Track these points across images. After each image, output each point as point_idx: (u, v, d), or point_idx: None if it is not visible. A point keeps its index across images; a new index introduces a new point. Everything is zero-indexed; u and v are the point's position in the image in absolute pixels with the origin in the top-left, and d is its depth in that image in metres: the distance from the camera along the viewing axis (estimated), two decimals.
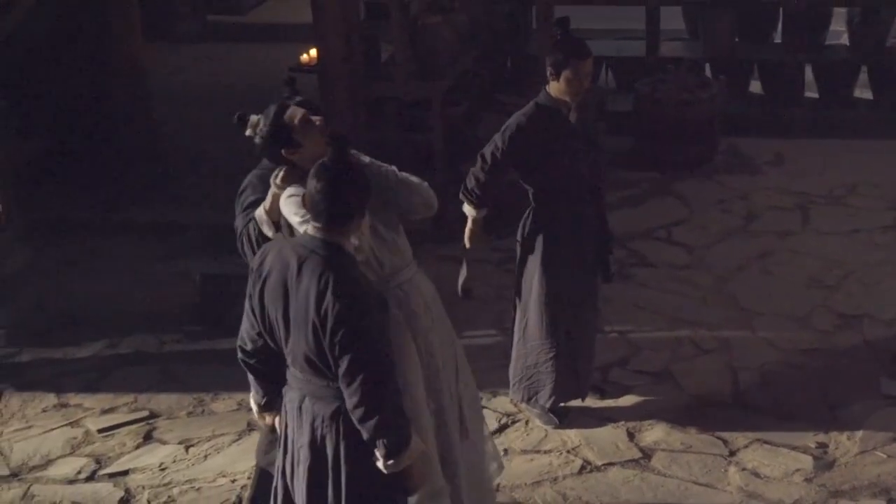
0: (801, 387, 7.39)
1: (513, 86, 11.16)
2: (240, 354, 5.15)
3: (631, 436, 7.03)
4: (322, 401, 4.86)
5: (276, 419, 5.22)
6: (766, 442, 6.91)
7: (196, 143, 10.87)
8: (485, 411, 7.20)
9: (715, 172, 10.36)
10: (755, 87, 11.80)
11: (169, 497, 6.72)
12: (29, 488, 6.86)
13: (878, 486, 6.50)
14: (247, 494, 6.19)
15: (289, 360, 4.93)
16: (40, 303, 8.61)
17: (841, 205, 9.71)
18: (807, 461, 6.74)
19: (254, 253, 5.42)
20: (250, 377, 5.25)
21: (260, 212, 5.44)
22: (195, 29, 14.65)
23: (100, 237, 9.69)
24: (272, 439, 5.55)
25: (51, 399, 7.70)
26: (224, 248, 5.83)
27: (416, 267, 5.66)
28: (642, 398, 7.37)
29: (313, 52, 10.04)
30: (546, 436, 7.07)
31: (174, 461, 7.03)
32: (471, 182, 6.80)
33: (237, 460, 6.91)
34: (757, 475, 6.65)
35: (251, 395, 5.34)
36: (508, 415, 7.27)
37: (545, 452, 6.93)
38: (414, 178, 5.54)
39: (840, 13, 11.81)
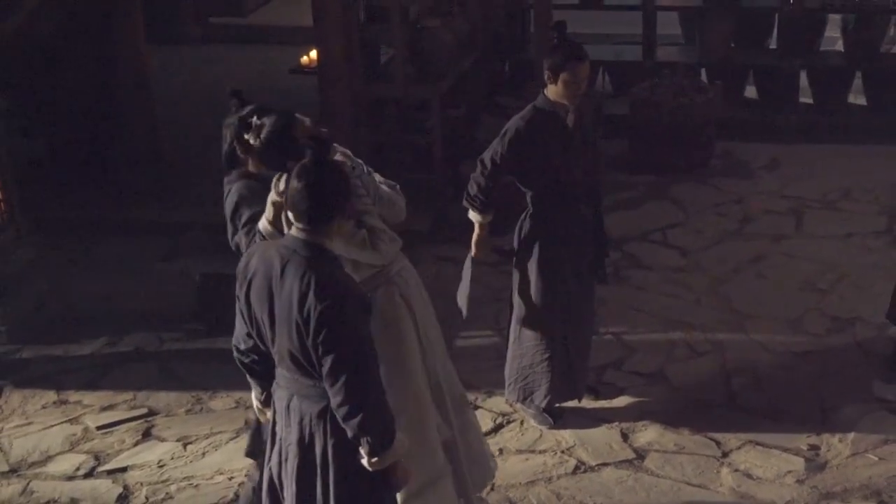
0: (793, 389, 7.38)
1: (511, 89, 11.15)
2: (235, 353, 5.17)
3: (625, 436, 7.02)
4: (309, 400, 4.87)
5: None
6: (758, 443, 6.90)
7: (197, 144, 10.84)
8: (480, 411, 7.24)
9: (710, 176, 10.35)
10: (750, 91, 11.79)
11: (167, 494, 6.71)
12: (28, 484, 6.85)
13: (870, 489, 6.49)
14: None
15: (276, 360, 4.94)
16: (42, 301, 8.60)
17: (834, 209, 9.70)
18: (799, 463, 6.73)
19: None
20: (248, 375, 5.25)
21: (264, 224, 5.39)
22: (197, 31, 14.63)
23: (101, 236, 9.67)
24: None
25: (51, 396, 7.69)
26: (224, 248, 5.80)
27: (402, 255, 5.78)
28: (636, 399, 7.36)
29: (314, 54, 10.02)
30: (541, 436, 7.06)
31: (172, 458, 7.02)
32: (473, 188, 6.79)
33: (235, 458, 6.88)
34: (749, 476, 6.64)
35: (252, 392, 5.34)
36: (504, 415, 7.26)
37: (540, 452, 6.92)
38: (388, 191, 5.60)
39: (834, 19, 11.81)
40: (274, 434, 5.10)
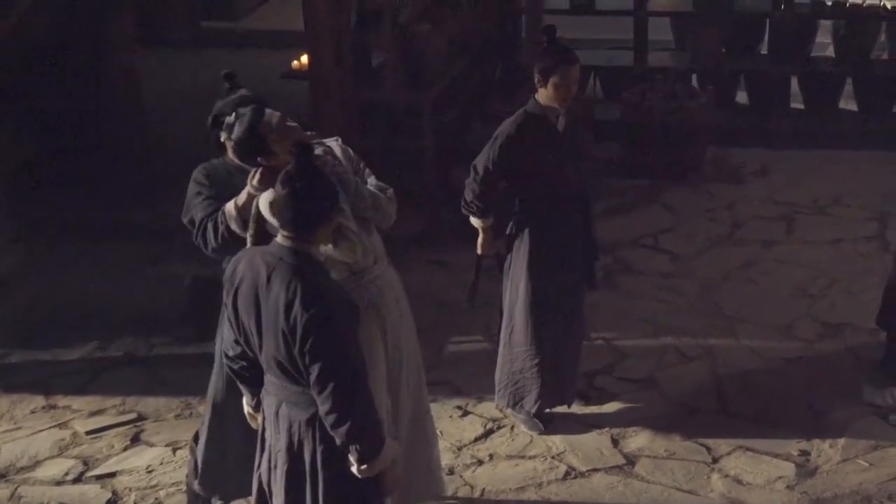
0: (784, 395, 7.37)
1: (503, 94, 11.15)
2: (224, 360, 5.17)
3: (615, 442, 7.01)
4: (298, 407, 4.85)
5: None
6: (748, 449, 6.88)
7: (188, 147, 10.77)
8: (470, 417, 7.22)
9: (701, 182, 10.34)
10: (741, 97, 11.78)
11: (156, 499, 6.69)
12: (16, 489, 6.81)
13: (860, 495, 6.48)
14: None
15: (264, 367, 4.93)
16: (31, 304, 8.56)
17: (825, 215, 9.70)
18: (789, 469, 6.71)
19: (216, 242, 5.44)
20: (238, 381, 5.23)
21: (230, 207, 5.41)
22: (188, 35, 14.60)
23: (92, 240, 9.63)
24: None
25: (39, 401, 7.65)
26: None
27: (386, 262, 5.74)
28: (627, 405, 7.35)
29: (304, 58, 9.99)
30: (531, 441, 7.04)
31: (161, 463, 6.99)
32: (469, 195, 6.80)
33: None
34: (739, 482, 6.63)
35: (243, 398, 5.31)
36: (494, 420, 7.24)
37: (530, 458, 6.90)
38: (376, 192, 5.59)
39: (826, 25, 11.81)
40: (263, 441, 5.09)
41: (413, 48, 9.73)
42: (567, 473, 6.76)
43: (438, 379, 7.40)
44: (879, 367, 7.41)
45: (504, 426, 7.19)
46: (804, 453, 6.84)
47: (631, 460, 6.84)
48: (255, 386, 5.11)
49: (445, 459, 6.65)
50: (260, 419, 5.17)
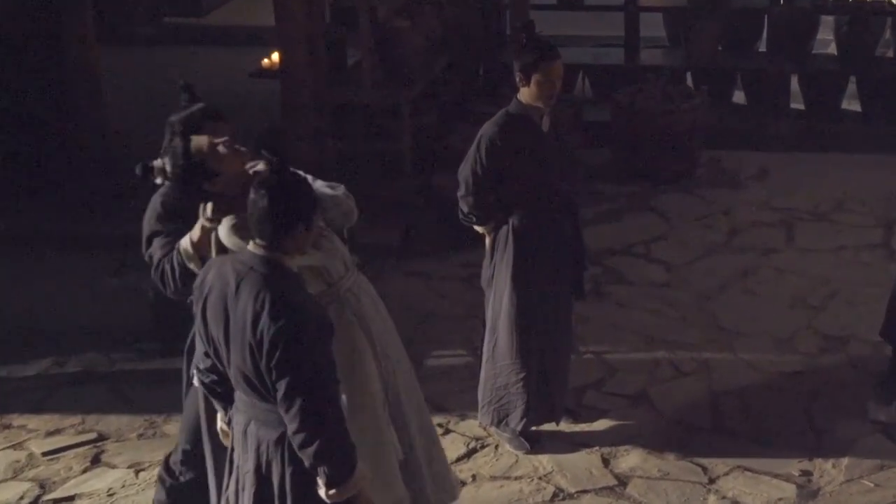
0: (784, 411, 7.40)
1: (485, 94, 11.17)
2: (195, 373, 5.16)
3: (606, 462, 7.03)
4: (267, 426, 4.85)
5: None
6: (747, 469, 6.91)
7: (152, 151, 10.82)
8: (452, 435, 7.23)
9: (696, 186, 10.39)
10: (738, 97, 11.85)
11: None
12: None
13: None
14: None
15: (233, 382, 4.92)
16: None
17: (827, 221, 9.75)
18: (790, 490, 6.74)
19: (174, 284, 5.42)
20: (210, 396, 5.25)
21: (186, 244, 5.36)
22: (151, 32, 14.61)
23: (49, 249, 9.62)
24: None
25: None
26: None
27: (356, 269, 5.75)
28: (618, 422, 7.37)
29: (276, 56, 10.02)
30: (517, 461, 7.05)
31: (123, 486, 6.98)
32: (465, 207, 6.86)
33: None
34: None
35: (217, 414, 5.32)
36: (477, 439, 7.25)
37: (516, 479, 6.91)
38: (329, 192, 5.60)
39: (827, 21, 11.88)
40: (232, 461, 5.09)
41: (391, 46, 9.76)
42: (555, 495, 6.77)
43: None
44: (884, 382, 7.45)
45: (488, 445, 7.20)
46: (806, 473, 6.87)
47: (622, 481, 6.86)
48: (228, 401, 5.11)
49: None
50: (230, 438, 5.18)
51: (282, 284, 4.72)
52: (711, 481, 6.84)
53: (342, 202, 5.64)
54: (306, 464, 4.74)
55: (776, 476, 6.84)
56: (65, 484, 7.03)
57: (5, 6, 10.05)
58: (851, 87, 11.60)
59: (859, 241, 9.36)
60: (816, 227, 9.64)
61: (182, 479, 6.05)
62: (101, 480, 7.04)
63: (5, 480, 7.07)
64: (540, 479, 6.90)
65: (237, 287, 4.73)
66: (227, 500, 5.10)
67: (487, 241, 6.99)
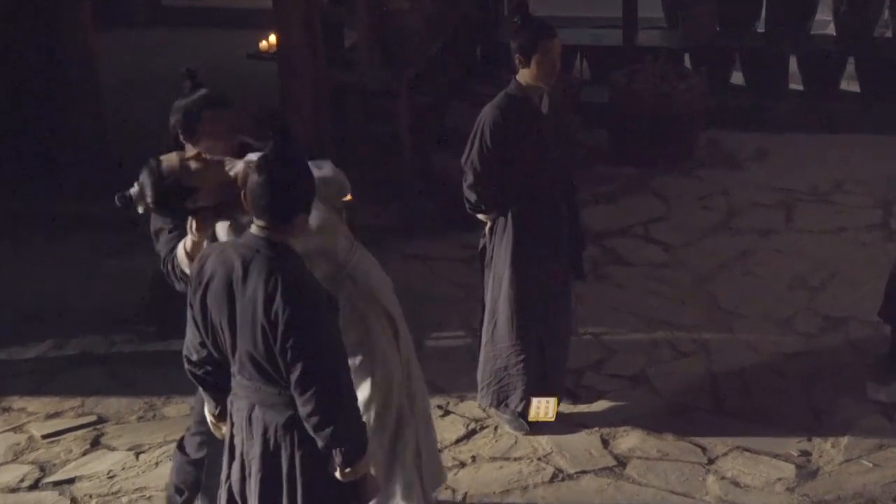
0: (783, 392, 7.43)
1: (483, 75, 11.16)
2: (186, 365, 5.11)
3: (605, 442, 7.05)
4: (274, 409, 4.85)
5: None
6: (746, 449, 6.93)
7: (149, 134, 10.79)
8: (452, 416, 7.26)
9: (695, 167, 10.40)
10: (737, 78, 11.84)
11: None
12: None
13: (864, 497, 6.53)
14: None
15: (235, 368, 4.91)
16: None
17: (826, 202, 9.76)
18: (789, 470, 6.77)
19: (179, 283, 5.46)
20: (199, 388, 5.26)
21: (181, 254, 5.38)
22: (147, 14, 14.60)
23: (47, 231, 9.64)
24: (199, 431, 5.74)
25: None
26: None
27: (358, 243, 5.79)
28: (617, 403, 7.39)
29: (273, 38, 10.00)
30: (516, 442, 7.08)
31: (123, 468, 7.00)
32: (472, 197, 6.84)
33: None
34: (737, 484, 6.68)
35: (204, 405, 5.33)
36: (477, 420, 7.27)
37: (515, 460, 6.94)
38: (317, 171, 5.59)
39: (826, 1, 11.86)
40: (233, 448, 5.07)
41: (388, 27, 9.74)
42: (554, 476, 6.80)
43: None
44: (883, 362, 7.47)
45: (487, 426, 7.23)
46: (805, 453, 6.89)
47: (622, 462, 6.89)
48: (221, 392, 5.10)
49: None
50: (226, 427, 5.18)
51: (291, 266, 4.72)
52: (710, 461, 6.86)
53: (331, 181, 5.62)
54: (321, 445, 4.75)
55: (775, 456, 6.87)
56: (65, 466, 7.05)
57: None
58: (850, 67, 11.60)
59: (858, 222, 9.38)
60: (815, 208, 9.65)
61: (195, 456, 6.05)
62: (101, 463, 7.06)
63: (5, 463, 7.10)
64: (539, 459, 6.93)
65: (244, 271, 4.71)
66: (231, 487, 5.09)
67: (487, 223, 7.00)
